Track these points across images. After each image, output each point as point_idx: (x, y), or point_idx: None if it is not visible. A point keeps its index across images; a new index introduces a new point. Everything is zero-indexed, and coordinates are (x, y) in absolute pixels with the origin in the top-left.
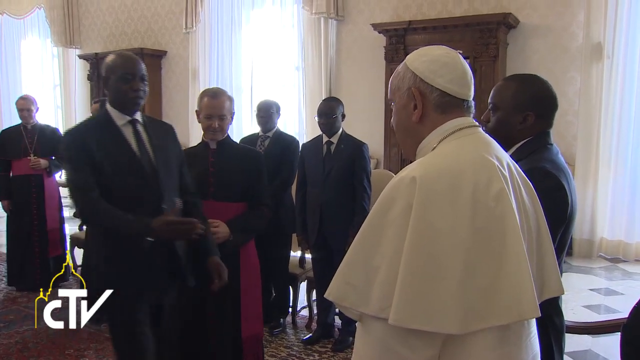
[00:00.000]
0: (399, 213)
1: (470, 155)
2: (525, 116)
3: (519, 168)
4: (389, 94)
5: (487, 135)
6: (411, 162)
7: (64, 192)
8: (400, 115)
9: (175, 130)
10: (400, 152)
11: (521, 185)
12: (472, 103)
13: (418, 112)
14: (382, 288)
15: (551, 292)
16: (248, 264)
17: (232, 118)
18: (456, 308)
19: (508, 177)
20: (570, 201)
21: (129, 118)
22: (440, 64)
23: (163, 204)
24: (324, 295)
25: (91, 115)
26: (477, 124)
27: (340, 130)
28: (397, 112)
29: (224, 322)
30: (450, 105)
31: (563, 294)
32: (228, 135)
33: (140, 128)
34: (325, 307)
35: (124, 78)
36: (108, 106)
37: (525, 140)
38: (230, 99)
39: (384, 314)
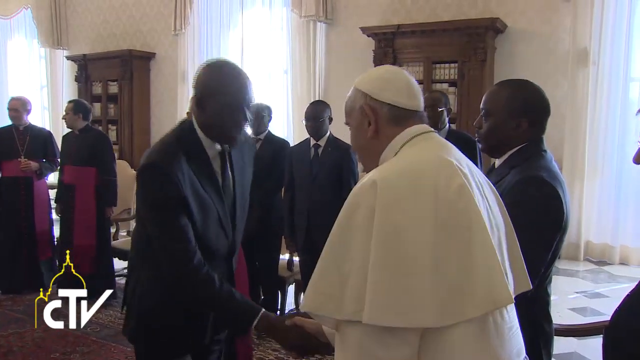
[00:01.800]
0: (363, 217)
1: (428, 156)
2: (519, 122)
3: (479, 170)
4: (345, 119)
5: (443, 139)
6: None
7: (52, 194)
8: (357, 135)
9: (252, 143)
10: None
11: (483, 185)
12: (424, 114)
13: (372, 127)
14: (354, 292)
15: (521, 288)
16: (238, 266)
17: None
18: (429, 301)
19: (469, 175)
20: (565, 210)
21: (220, 149)
22: (385, 80)
23: (233, 259)
24: (300, 308)
25: (65, 115)
26: (432, 130)
27: (328, 133)
28: (353, 133)
29: None
30: (402, 117)
31: (530, 288)
32: None
33: (227, 160)
34: None
35: (230, 106)
36: (196, 127)
37: (518, 147)
38: None
39: (357, 317)
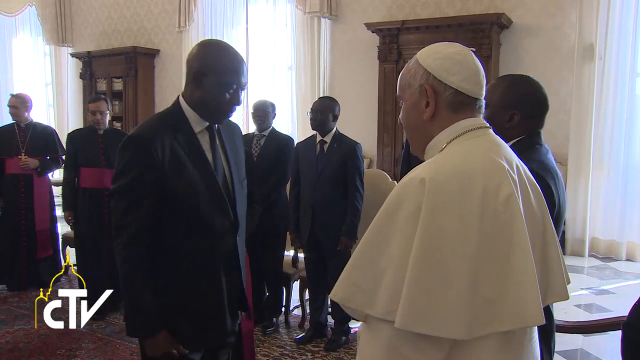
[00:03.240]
0: (408, 215)
1: (480, 157)
2: (512, 115)
3: (527, 169)
4: (397, 91)
5: (497, 136)
6: (406, 160)
7: (56, 191)
8: (410, 113)
9: (240, 131)
10: (393, 152)
11: (529, 188)
12: (483, 102)
13: (430, 110)
14: (389, 291)
15: (555, 297)
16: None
17: None
18: (462, 313)
19: (517, 180)
20: (557, 202)
21: (207, 124)
22: (453, 62)
23: (237, 235)
24: (329, 296)
25: (100, 115)
26: (487, 125)
27: (334, 129)
28: (406, 110)
29: None
30: (462, 104)
31: (567, 299)
32: None
33: (216, 135)
34: (317, 306)
35: (228, 86)
36: (183, 104)
37: (515, 140)
38: None
39: (390, 317)
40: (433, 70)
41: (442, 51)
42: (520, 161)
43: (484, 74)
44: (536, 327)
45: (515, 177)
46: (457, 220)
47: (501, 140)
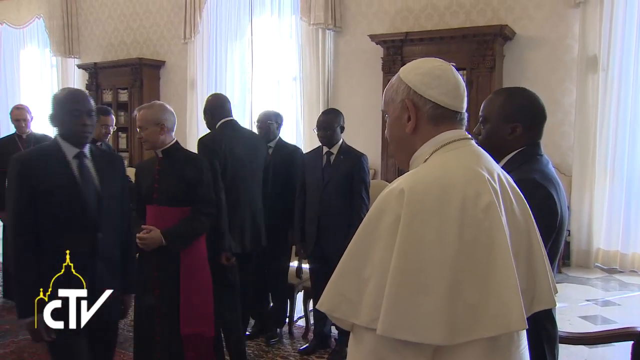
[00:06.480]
0: (388, 225)
1: (460, 168)
2: (514, 127)
3: (510, 179)
4: (382, 106)
5: (478, 147)
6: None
7: None
8: (393, 127)
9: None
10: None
11: (512, 197)
12: (465, 115)
13: (411, 123)
14: (372, 299)
15: (542, 304)
16: (190, 267)
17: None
18: (442, 319)
19: (498, 189)
20: (559, 211)
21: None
22: (432, 77)
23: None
24: (316, 306)
25: (106, 127)
26: (469, 136)
27: (341, 141)
28: (390, 124)
29: (164, 319)
30: (442, 117)
31: (554, 306)
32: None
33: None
34: (321, 317)
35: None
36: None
37: (516, 152)
38: None
39: (374, 325)
40: (413, 85)
41: (422, 66)
42: (504, 171)
43: (464, 87)
44: (525, 335)
45: (497, 186)
46: (436, 229)
47: (482, 150)
